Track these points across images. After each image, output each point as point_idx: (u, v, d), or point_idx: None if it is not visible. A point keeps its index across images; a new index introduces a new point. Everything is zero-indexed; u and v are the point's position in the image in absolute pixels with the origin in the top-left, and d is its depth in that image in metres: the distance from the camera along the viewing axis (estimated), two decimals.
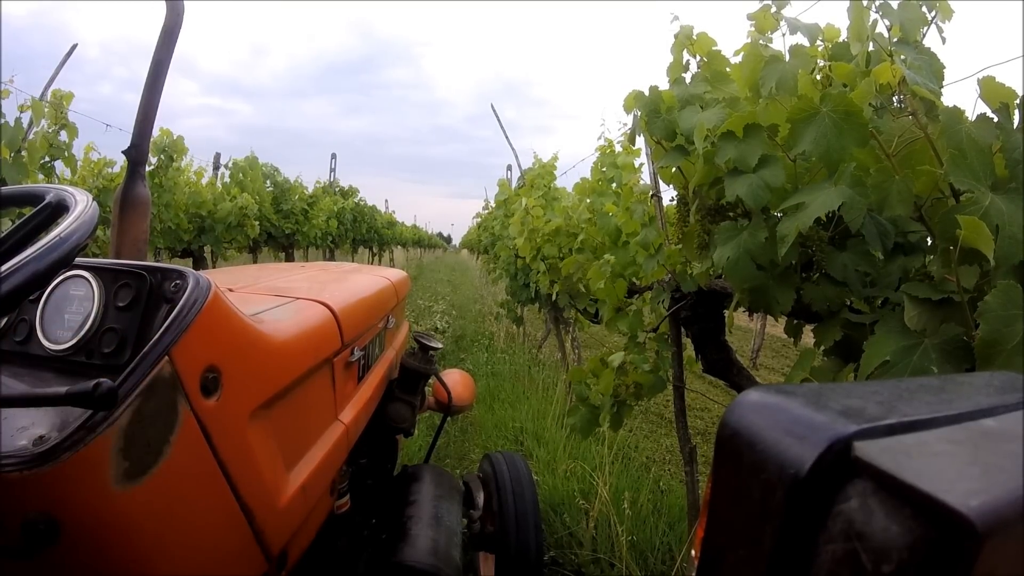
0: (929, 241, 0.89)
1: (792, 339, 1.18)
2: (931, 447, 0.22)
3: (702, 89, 1.16)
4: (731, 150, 0.99)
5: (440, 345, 1.73)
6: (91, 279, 0.64)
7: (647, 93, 1.23)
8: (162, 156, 4.64)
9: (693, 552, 0.28)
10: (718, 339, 1.47)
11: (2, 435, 0.52)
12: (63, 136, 3.24)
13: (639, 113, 1.26)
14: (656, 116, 1.22)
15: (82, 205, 0.56)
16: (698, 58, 1.20)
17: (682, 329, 1.64)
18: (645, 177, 2.11)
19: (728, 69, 1.17)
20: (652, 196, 1.71)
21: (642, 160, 2.26)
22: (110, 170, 4.24)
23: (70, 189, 0.60)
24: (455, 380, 1.91)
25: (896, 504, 0.20)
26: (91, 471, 0.53)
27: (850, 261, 0.91)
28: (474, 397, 2.03)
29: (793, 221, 0.85)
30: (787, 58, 0.98)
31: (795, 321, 1.14)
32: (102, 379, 0.48)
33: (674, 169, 1.24)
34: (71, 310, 0.64)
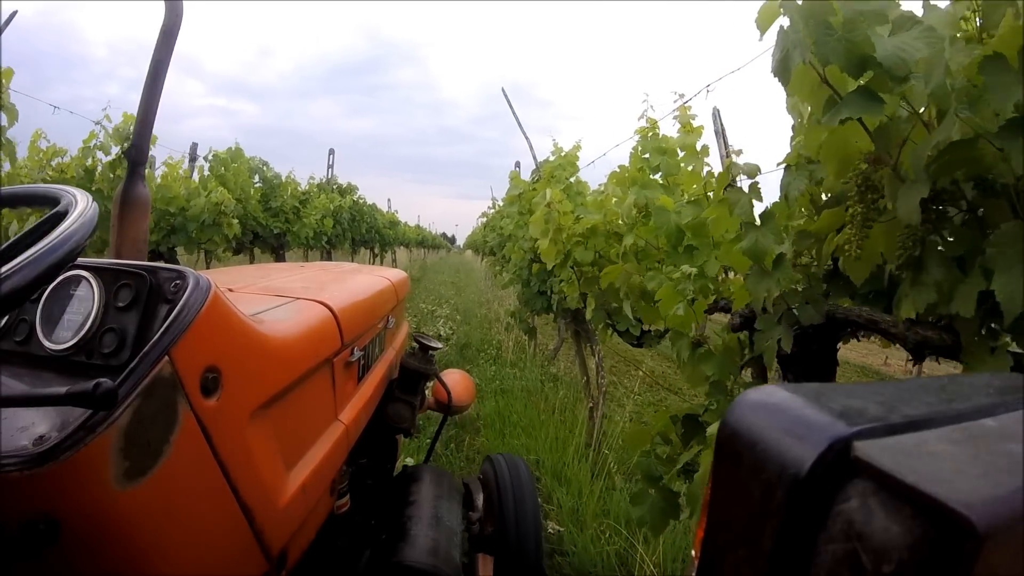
0: None
1: None
2: (931, 447, 0.22)
3: None
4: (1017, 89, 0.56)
5: (440, 345, 1.73)
6: (91, 279, 0.64)
7: None
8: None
9: (693, 552, 0.28)
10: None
11: (2, 435, 0.52)
12: (3, 120, 2.76)
13: (790, 25, 0.75)
14: (829, 33, 0.72)
15: (82, 205, 0.57)
16: None
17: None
18: (714, 164, 1.73)
19: None
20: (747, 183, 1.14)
21: (704, 142, 1.91)
22: (61, 160, 3.74)
23: (70, 189, 0.60)
24: (455, 380, 1.91)
25: (896, 504, 0.19)
26: (91, 471, 0.53)
27: None
28: (474, 398, 2.03)
29: None
30: None
31: None
32: (102, 379, 0.48)
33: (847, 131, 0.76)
34: (71, 310, 0.64)
